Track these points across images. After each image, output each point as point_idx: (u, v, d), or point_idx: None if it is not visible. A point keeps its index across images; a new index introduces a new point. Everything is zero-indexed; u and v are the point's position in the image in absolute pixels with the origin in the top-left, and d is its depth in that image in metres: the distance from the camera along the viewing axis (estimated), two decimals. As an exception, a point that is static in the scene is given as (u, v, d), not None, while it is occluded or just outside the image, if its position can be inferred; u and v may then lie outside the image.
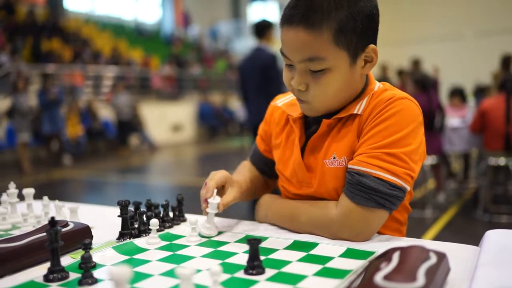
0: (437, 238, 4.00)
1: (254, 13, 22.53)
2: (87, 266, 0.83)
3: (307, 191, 1.17)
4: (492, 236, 0.97)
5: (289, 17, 1.05)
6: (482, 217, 4.53)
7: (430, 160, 4.84)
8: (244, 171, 1.37)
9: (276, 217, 1.20)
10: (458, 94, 6.18)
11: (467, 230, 4.31)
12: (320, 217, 1.08)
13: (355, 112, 1.10)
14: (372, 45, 1.09)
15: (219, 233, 1.11)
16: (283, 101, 1.30)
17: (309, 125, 1.21)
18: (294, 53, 1.06)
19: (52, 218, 0.83)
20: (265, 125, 1.36)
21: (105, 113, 11.95)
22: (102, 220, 1.28)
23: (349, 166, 1.07)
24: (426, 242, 1.02)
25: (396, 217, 1.18)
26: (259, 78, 4.50)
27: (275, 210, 1.21)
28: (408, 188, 1.06)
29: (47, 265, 0.85)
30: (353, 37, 1.04)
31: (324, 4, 1.02)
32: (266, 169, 1.37)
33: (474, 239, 0.99)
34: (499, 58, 6.98)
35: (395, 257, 0.76)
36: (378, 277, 0.69)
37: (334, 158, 1.11)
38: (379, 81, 1.20)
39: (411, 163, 1.04)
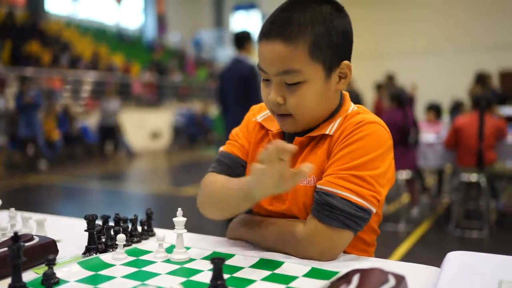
0: (410, 252, 4.06)
1: (237, 23, 22.61)
2: (49, 282, 0.83)
3: (279, 208, 1.17)
4: (453, 258, 0.99)
5: (267, 31, 1.09)
6: (453, 232, 4.60)
7: (405, 174, 4.91)
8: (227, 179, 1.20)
9: (247, 234, 1.20)
10: (434, 109, 6.30)
11: (438, 245, 4.38)
12: (287, 235, 1.09)
13: (327, 132, 1.13)
14: (346, 61, 1.13)
15: (190, 260, 1.05)
16: (262, 117, 1.29)
17: (288, 140, 1.21)
18: (271, 66, 1.09)
19: (15, 233, 0.82)
20: (247, 134, 1.30)
21: (84, 118, 11.84)
22: (70, 233, 1.27)
23: (318, 186, 1.09)
24: (389, 262, 1.04)
25: (364, 238, 1.19)
26: (238, 89, 4.52)
27: (245, 227, 1.21)
28: (374, 210, 1.07)
29: (8, 280, 0.84)
30: (328, 52, 1.08)
31: (301, 19, 1.06)
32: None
33: (445, 254, 1.02)
34: (474, 75, 7.15)
35: (355, 279, 0.77)
36: (337, 300, 0.70)
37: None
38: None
39: (377, 186, 1.06)
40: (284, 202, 1.16)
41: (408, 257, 3.89)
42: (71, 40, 14.83)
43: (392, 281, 0.78)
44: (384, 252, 1.12)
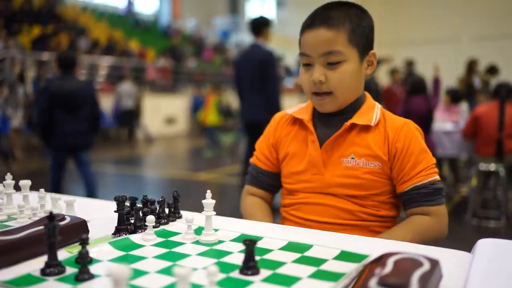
0: (426, 240, 4.04)
1: (252, 9, 22.48)
2: (84, 261, 0.84)
3: (317, 179, 1.35)
4: (484, 245, 0.99)
5: (311, 22, 1.31)
6: (470, 221, 4.57)
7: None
8: (256, 208, 1.51)
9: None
10: (452, 93, 6.24)
11: (455, 234, 4.35)
12: (430, 234, 1.30)
13: (372, 124, 1.32)
14: (373, 51, 1.36)
15: (219, 242, 1.06)
16: (291, 110, 1.48)
17: (315, 127, 1.40)
18: (315, 49, 1.29)
19: (51, 212, 0.84)
20: (272, 136, 1.49)
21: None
22: (98, 214, 1.29)
23: (421, 182, 1.29)
24: (419, 246, 1.04)
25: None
26: (255, 75, 4.50)
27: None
28: None
29: (44, 258, 0.86)
30: (361, 39, 1.31)
31: (339, 13, 1.30)
32: (274, 183, 1.52)
33: (462, 243, 1.02)
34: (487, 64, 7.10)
35: (390, 262, 0.77)
36: (372, 283, 0.70)
37: (352, 158, 1.32)
38: None
39: None
40: (324, 176, 1.33)
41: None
42: (87, 25, 14.88)
43: (426, 265, 0.78)
44: (404, 242, 1.20)
